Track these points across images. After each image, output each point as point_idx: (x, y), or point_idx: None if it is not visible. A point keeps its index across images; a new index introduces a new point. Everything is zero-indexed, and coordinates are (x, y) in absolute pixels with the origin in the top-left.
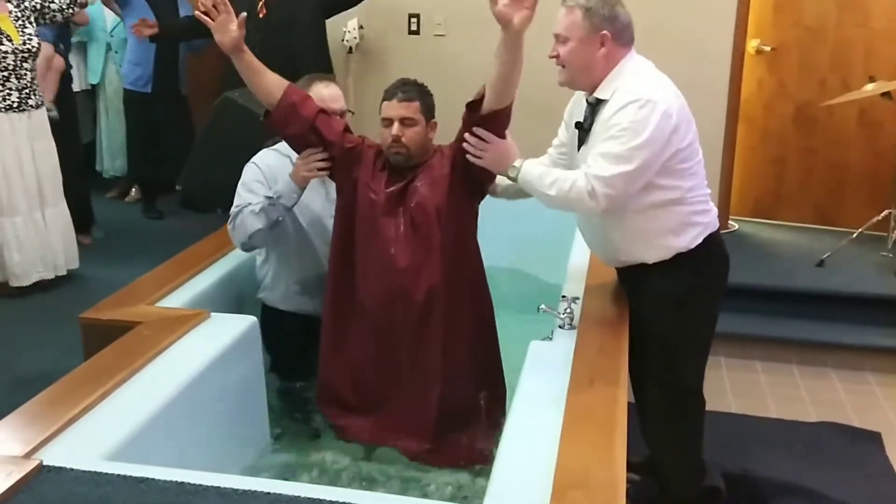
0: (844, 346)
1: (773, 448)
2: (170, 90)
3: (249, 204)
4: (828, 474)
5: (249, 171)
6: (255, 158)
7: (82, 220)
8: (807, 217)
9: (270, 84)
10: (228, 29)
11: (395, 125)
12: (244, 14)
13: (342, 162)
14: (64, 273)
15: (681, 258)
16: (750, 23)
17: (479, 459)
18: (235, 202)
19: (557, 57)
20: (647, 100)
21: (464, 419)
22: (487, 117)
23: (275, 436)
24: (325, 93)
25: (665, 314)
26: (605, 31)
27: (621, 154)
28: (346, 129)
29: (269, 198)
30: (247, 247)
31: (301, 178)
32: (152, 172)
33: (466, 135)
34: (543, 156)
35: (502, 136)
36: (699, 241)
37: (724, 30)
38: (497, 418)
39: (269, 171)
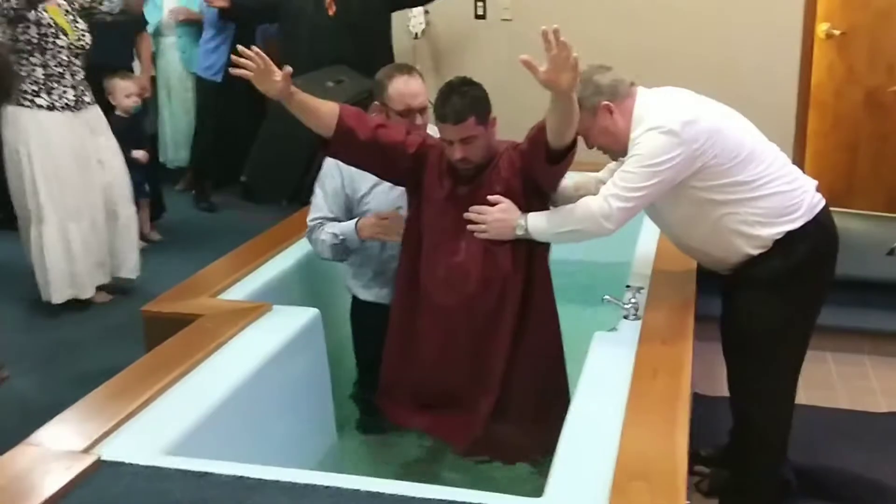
0: None
1: (843, 440)
2: (243, 81)
3: (323, 223)
4: None
5: (330, 174)
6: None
7: (152, 212)
8: (878, 205)
9: (324, 116)
10: (270, 80)
11: (457, 148)
12: (288, 68)
13: (409, 171)
14: (131, 277)
15: (780, 242)
16: (819, 6)
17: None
18: (313, 210)
19: (594, 147)
20: (658, 125)
21: (517, 428)
22: (554, 154)
23: (343, 431)
24: (403, 89)
25: (763, 299)
26: (603, 103)
27: (635, 171)
28: (407, 132)
29: (335, 234)
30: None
31: (369, 236)
32: (215, 163)
33: (468, 215)
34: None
35: (565, 172)
36: (801, 221)
37: (794, 13)
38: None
39: (351, 175)
